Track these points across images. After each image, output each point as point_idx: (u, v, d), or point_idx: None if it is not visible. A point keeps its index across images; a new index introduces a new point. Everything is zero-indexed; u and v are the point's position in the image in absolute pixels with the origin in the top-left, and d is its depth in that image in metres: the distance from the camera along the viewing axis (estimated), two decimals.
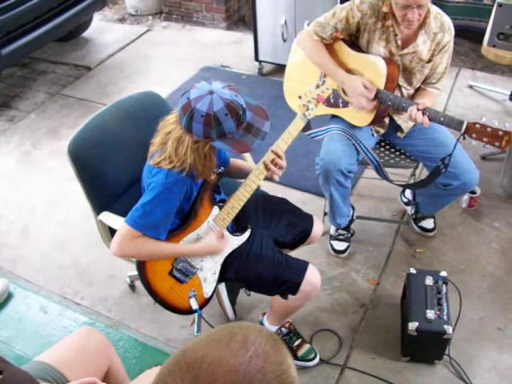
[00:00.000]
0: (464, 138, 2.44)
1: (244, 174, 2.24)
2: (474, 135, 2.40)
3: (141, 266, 2.15)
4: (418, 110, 2.48)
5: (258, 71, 4.75)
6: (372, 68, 2.61)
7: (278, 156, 2.15)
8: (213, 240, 2.14)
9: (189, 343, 0.89)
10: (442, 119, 2.48)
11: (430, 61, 2.65)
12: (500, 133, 2.34)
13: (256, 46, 4.60)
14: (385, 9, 2.54)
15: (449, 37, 2.61)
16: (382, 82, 2.59)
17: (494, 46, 3.16)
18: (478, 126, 2.38)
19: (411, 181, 3.22)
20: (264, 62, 4.68)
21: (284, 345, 0.92)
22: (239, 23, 5.70)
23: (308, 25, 4.06)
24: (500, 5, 3.02)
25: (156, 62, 5.09)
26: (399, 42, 2.59)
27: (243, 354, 0.86)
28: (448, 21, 2.60)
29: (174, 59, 5.10)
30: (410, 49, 2.60)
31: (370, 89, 2.56)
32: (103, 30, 5.70)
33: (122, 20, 5.92)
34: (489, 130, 2.36)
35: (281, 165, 2.16)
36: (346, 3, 2.62)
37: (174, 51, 5.25)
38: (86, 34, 5.52)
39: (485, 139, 2.38)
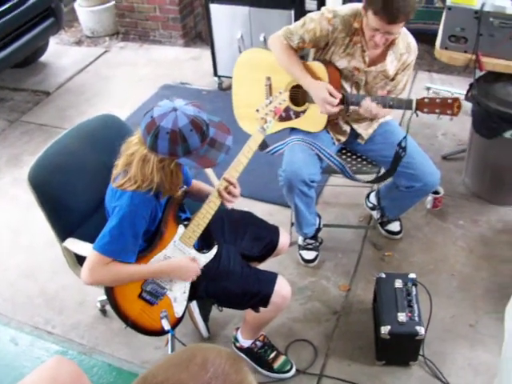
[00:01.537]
0: (417, 115, 2.53)
1: (203, 195, 2.24)
2: (425, 109, 2.50)
3: (109, 290, 2.12)
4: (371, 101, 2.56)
5: (217, 86, 4.76)
6: (314, 72, 2.66)
7: (231, 183, 2.17)
8: (183, 260, 2.14)
9: (150, 368, 0.88)
10: (391, 103, 2.57)
11: (393, 79, 2.71)
12: (449, 101, 2.46)
13: (214, 61, 4.62)
14: (356, 25, 2.56)
15: (413, 56, 2.69)
16: None
17: (446, 49, 3.22)
18: (426, 100, 2.49)
19: (375, 187, 3.26)
20: (223, 76, 4.69)
21: (244, 363, 0.92)
22: (196, 39, 5.72)
23: (264, 38, 4.14)
24: (449, 8, 3.08)
25: (115, 82, 5.07)
26: (367, 59, 2.63)
27: (203, 375, 0.86)
28: (413, 41, 2.68)
29: (134, 79, 5.08)
30: (379, 67, 2.65)
31: (334, 95, 2.59)
32: (60, 53, 5.65)
33: (78, 42, 5.88)
34: (438, 101, 2.47)
35: (234, 193, 2.18)
36: (318, 15, 2.61)
37: (132, 71, 5.23)
38: (43, 58, 5.47)
39: (437, 110, 2.48)
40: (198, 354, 0.89)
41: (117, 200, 2.00)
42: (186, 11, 5.51)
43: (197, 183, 2.39)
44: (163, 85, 4.90)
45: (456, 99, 2.44)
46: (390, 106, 2.57)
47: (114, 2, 5.66)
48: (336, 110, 2.64)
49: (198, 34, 5.75)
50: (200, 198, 2.27)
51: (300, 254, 3.12)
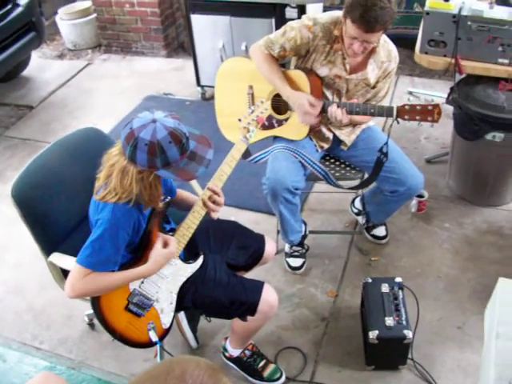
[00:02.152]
0: (398, 122, 2.54)
1: (188, 205, 2.24)
2: (406, 117, 2.51)
3: (96, 303, 2.11)
4: (338, 107, 2.56)
5: (201, 96, 4.77)
6: (295, 81, 2.67)
7: (215, 193, 2.17)
8: (159, 249, 2.08)
9: (129, 382, 0.88)
10: (372, 111, 2.57)
11: (374, 87, 2.72)
12: (429, 107, 2.47)
13: (197, 71, 4.63)
14: (336, 32, 2.58)
15: (394, 64, 2.70)
16: (308, 92, 2.65)
17: (426, 53, 3.25)
18: (407, 107, 2.50)
19: (359, 192, 3.27)
20: (206, 86, 4.71)
21: (224, 374, 0.92)
22: (179, 50, 5.73)
23: (246, 47, 4.15)
24: (427, 13, 3.11)
25: (99, 95, 5.07)
26: (347, 66, 2.64)
27: None
28: (394, 49, 2.70)
29: (117, 91, 5.08)
30: (360, 76, 2.66)
31: (315, 105, 2.60)
32: (43, 67, 5.64)
33: (61, 56, 5.87)
34: (418, 108, 2.48)
35: (218, 202, 2.18)
36: (298, 23, 2.62)
37: (115, 83, 5.23)
38: (26, 72, 5.46)
39: (417, 117, 2.49)
40: (177, 366, 0.89)
41: (99, 213, 2.00)
42: (167, 22, 5.52)
43: (181, 193, 2.39)
44: (147, 96, 4.90)
45: (436, 105, 2.45)
46: (371, 114, 2.58)
47: (95, 15, 5.67)
48: (316, 120, 2.66)
49: (181, 44, 5.76)
50: (184, 207, 2.27)
51: (287, 262, 3.13)
